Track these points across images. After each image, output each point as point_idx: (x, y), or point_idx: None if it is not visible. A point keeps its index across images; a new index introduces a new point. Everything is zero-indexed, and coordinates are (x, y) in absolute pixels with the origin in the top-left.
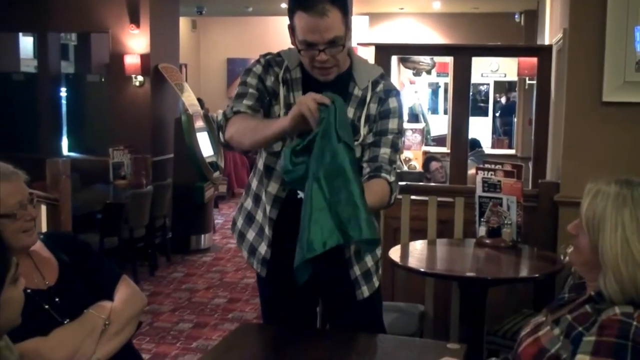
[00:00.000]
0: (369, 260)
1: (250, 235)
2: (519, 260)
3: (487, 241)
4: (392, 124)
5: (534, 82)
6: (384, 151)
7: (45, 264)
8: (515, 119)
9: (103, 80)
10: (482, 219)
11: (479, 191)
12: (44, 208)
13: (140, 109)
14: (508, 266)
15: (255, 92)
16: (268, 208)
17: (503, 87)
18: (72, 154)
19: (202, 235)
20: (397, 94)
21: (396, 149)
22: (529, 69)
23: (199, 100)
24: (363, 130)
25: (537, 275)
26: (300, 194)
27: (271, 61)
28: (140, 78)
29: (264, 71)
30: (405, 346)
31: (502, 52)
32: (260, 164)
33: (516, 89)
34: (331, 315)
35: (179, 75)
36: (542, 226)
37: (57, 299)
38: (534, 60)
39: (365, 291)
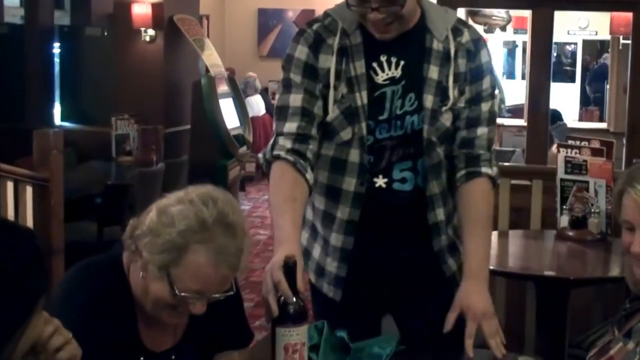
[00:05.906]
0: (451, 230)
1: (317, 251)
2: (609, 257)
3: (570, 233)
4: (486, 82)
5: (630, 41)
6: (481, 131)
7: None
8: (608, 86)
9: (105, 34)
10: (564, 207)
11: (560, 173)
12: (29, 190)
13: (151, 69)
14: (595, 264)
15: (302, 93)
16: (346, 210)
17: (594, 47)
18: (66, 123)
19: None
20: (485, 44)
21: (494, 118)
22: (624, 27)
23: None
24: (453, 92)
25: None
26: (378, 182)
27: (321, 31)
28: (150, 32)
29: (313, 51)
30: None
31: (590, 5)
32: (325, 159)
33: (609, 49)
34: (398, 307)
35: (198, 29)
36: None
37: None
38: (629, 15)
39: (452, 265)
